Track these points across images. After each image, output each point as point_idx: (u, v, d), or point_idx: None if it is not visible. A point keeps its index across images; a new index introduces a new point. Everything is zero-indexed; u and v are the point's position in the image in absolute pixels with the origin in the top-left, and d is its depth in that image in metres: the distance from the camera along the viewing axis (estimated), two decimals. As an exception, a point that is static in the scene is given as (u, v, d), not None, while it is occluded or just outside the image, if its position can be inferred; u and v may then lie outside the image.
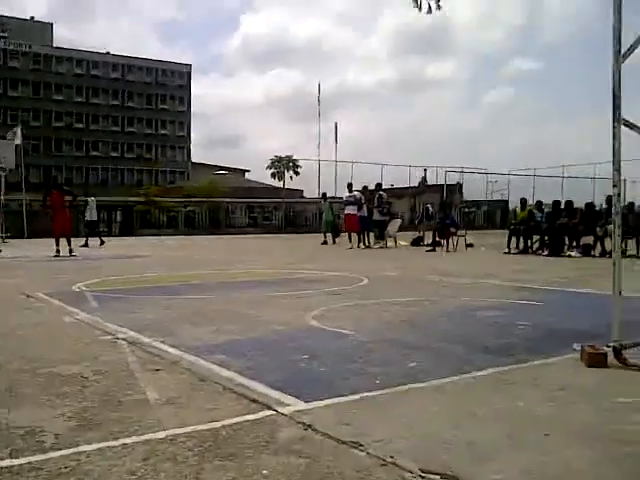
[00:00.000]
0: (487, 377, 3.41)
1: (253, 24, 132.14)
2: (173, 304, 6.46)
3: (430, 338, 4.53)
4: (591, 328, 4.77)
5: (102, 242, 20.49)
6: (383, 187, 20.96)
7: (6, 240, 21.50)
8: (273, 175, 55.51)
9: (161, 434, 2.49)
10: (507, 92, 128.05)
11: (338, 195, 32.75)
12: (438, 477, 2.09)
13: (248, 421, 2.65)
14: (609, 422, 2.66)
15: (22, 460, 2.24)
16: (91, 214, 21.61)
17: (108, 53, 74.41)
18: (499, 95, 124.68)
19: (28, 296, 6.98)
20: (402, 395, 3.06)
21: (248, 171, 72.78)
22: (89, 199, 22.10)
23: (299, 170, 53.47)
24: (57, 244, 14.64)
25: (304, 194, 49.27)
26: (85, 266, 12.12)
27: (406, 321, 5.27)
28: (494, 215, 40.96)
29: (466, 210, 39.17)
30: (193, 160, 78.20)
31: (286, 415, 2.73)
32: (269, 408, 2.82)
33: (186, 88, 79.19)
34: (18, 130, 24.80)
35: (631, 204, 15.53)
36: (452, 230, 17.06)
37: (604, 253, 12.97)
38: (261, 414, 2.74)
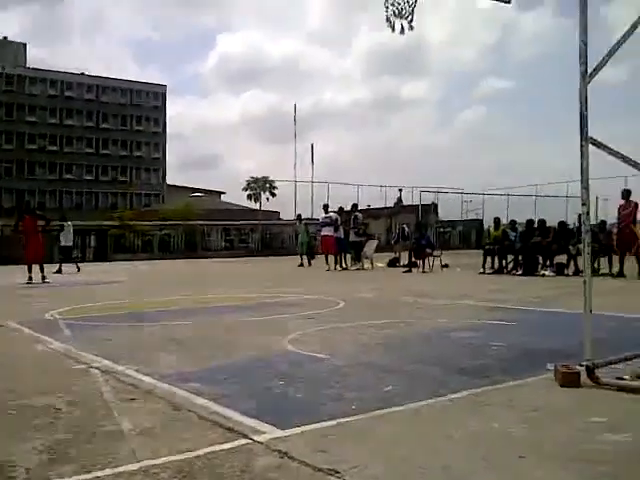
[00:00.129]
0: (463, 399, 3.43)
1: (229, 44, 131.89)
2: (148, 331, 6.40)
3: (405, 360, 4.55)
4: (564, 347, 4.84)
5: (78, 269, 20.12)
6: (359, 208, 21.07)
7: (-23, 267, 21.02)
8: (249, 197, 55.31)
9: (135, 466, 2.46)
10: (480, 111, 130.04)
11: (315, 216, 32.88)
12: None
13: (223, 450, 2.63)
14: (583, 442, 2.70)
15: (-9, 497, 2.20)
16: (66, 239, 21.04)
17: (83, 74, 73.67)
18: (473, 114, 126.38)
19: (-1, 325, 6.87)
20: (378, 420, 3.06)
21: (224, 193, 72.69)
22: (65, 223, 21.30)
23: (275, 192, 53.47)
24: (29, 271, 14.35)
25: (281, 216, 49.19)
26: (58, 293, 11.94)
27: (382, 344, 5.29)
28: (469, 235, 41.31)
29: (442, 230, 39.60)
30: (168, 182, 77.74)
31: (262, 443, 2.71)
32: (245, 437, 2.80)
33: (161, 109, 78.90)
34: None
35: (603, 222, 15.76)
36: (428, 251, 17.16)
37: (577, 272, 13.13)
38: (237, 443, 2.72)
